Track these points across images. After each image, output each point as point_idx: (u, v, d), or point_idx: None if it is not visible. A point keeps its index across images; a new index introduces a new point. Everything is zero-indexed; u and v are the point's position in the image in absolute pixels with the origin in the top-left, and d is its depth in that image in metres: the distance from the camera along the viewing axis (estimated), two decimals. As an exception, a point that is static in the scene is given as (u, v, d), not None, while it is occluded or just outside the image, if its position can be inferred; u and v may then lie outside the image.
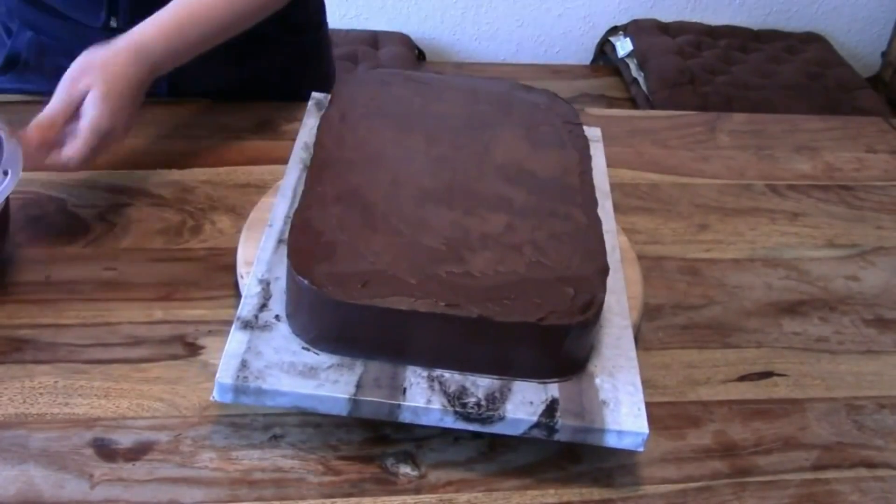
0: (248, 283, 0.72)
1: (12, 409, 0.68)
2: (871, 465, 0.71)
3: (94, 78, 0.79)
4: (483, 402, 0.65)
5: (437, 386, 0.66)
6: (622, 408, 0.65)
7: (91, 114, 0.78)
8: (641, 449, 0.65)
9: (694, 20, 2.56)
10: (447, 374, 0.67)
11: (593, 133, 0.92)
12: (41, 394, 0.69)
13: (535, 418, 0.64)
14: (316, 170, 0.77)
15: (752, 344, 0.81)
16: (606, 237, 0.75)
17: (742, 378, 0.77)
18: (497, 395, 0.66)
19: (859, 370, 0.80)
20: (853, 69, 2.43)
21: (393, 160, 0.79)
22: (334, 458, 0.67)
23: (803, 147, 1.10)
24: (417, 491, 0.65)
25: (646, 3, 2.59)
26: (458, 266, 0.68)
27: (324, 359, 0.67)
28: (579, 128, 0.86)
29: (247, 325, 0.68)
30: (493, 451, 0.69)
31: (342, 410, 0.65)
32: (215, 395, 0.65)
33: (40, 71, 1.02)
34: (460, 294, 0.66)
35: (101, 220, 0.86)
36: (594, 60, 2.63)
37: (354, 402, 0.65)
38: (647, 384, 0.75)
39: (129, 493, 0.63)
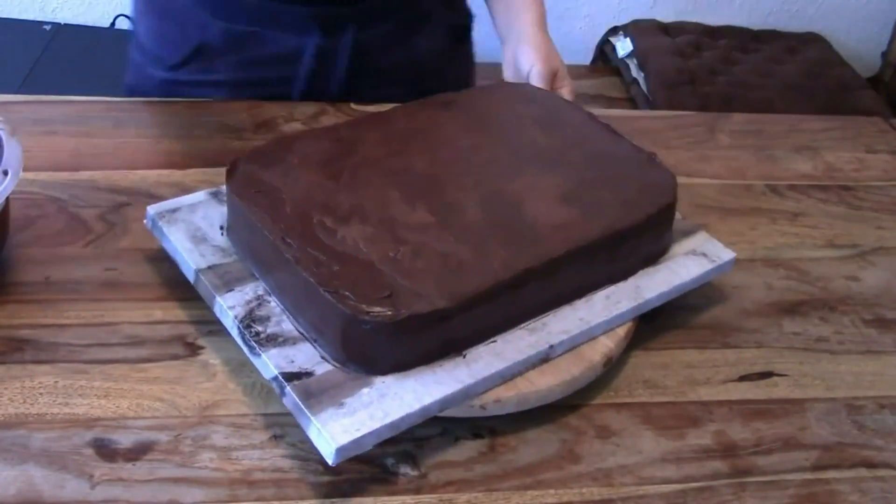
0: None
1: (12, 409, 0.68)
2: (871, 465, 0.71)
3: None
4: (261, 336, 0.69)
5: (254, 307, 0.71)
6: (348, 418, 0.63)
7: None
8: (330, 461, 0.62)
9: (694, 20, 2.56)
10: (278, 307, 0.71)
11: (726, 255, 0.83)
12: (41, 394, 0.69)
13: (277, 372, 0.66)
14: (341, 129, 0.84)
15: (752, 344, 0.81)
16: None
17: (742, 378, 0.77)
18: (280, 339, 0.69)
19: (859, 370, 0.80)
20: (853, 69, 2.43)
21: (414, 152, 0.81)
22: (334, 458, 0.67)
23: (803, 147, 1.10)
24: (417, 491, 0.65)
25: (646, 4, 2.59)
26: (340, 227, 0.72)
27: (223, 244, 0.77)
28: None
29: (216, 195, 0.82)
30: (493, 451, 0.69)
31: (191, 276, 0.75)
32: (146, 223, 0.80)
33: (225, 61, 1.05)
34: (312, 245, 0.70)
35: (101, 220, 0.86)
36: (594, 61, 2.63)
37: (198, 274, 0.74)
38: (647, 384, 0.75)
39: (129, 493, 0.63)
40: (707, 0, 2.61)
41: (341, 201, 0.75)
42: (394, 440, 0.68)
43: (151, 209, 0.80)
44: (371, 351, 0.66)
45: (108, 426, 0.67)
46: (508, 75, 1.02)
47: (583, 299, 0.75)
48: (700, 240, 0.83)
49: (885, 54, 2.73)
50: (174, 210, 0.80)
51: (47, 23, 2.31)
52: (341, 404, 0.64)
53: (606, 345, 0.73)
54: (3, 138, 0.77)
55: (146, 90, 1.10)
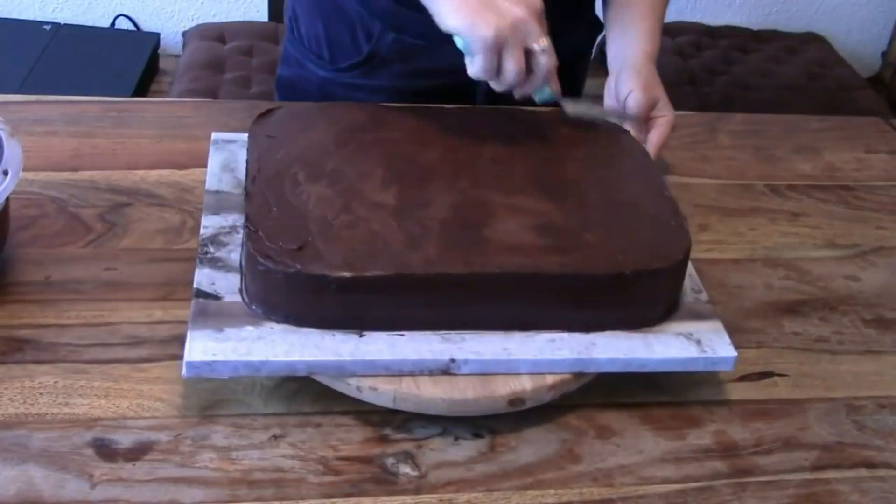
0: None
1: (12, 409, 0.68)
2: (871, 465, 0.71)
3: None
4: (207, 255, 0.74)
5: (222, 233, 0.77)
6: (215, 343, 0.67)
7: None
8: (182, 373, 0.66)
9: (694, 20, 2.56)
10: (241, 240, 0.76)
11: None
12: (41, 394, 0.69)
13: (195, 287, 0.71)
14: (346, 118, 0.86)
15: (752, 344, 0.81)
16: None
17: (742, 378, 0.77)
18: (219, 263, 0.74)
19: (859, 370, 0.80)
20: (853, 69, 2.43)
21: (413, 143, 0.83)
22: (334, 458, 0.67)
23: (803, 147, 1.10)
24: (417, 491, 0.66)
25: (646, 4, 2.58)
26: (307, 183, 0.75)
27: (243, 180, 0.81)
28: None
29: None
30: (493, 451, 0.69)
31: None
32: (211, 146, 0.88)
33: (391, 70, 1.06)
34: (271, 189, 0.74)
35: (101, 220, 0.86)
36: (594, 60, 2.62)
37: (205, 193, 0.82)
38: (647, 384, 0.75)
39: (129, 493, 0.63)
40: (707, 0, 2.61)
41: (327, 164, 0.78)
42: (394, 440, 0.68)
43: (216, 135, 0.89)
44: (265, 294, 0.69)
45: (108, 426, 0.67)
46: (608, 101, 1.00)
47: (525, 333, 0.71)
48: (706, 326, 0.74)
49: (885, 54, 2.73)
50: (230, 141, 0.89)
51: (47, 23, 2.31)
52: (221, 330, 0.68)
53: (522, 385, 0.69)
54: (3, 138, 0.77)
55: (305, 86, 1.12)
